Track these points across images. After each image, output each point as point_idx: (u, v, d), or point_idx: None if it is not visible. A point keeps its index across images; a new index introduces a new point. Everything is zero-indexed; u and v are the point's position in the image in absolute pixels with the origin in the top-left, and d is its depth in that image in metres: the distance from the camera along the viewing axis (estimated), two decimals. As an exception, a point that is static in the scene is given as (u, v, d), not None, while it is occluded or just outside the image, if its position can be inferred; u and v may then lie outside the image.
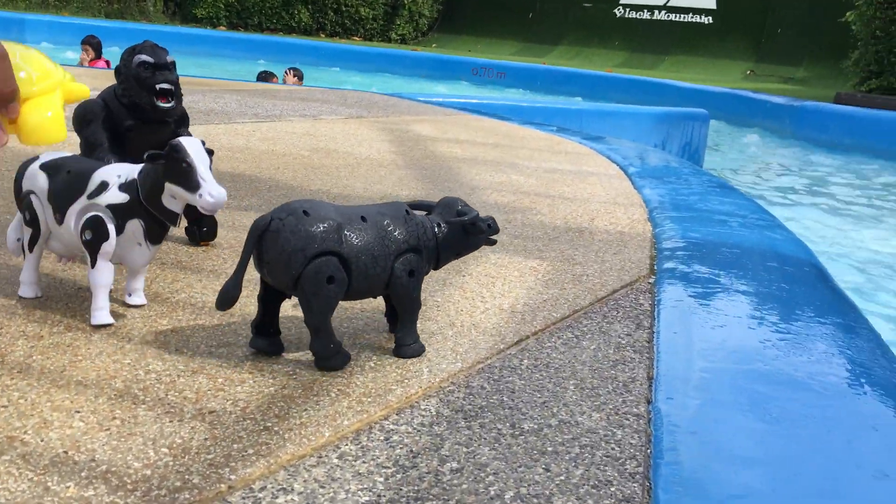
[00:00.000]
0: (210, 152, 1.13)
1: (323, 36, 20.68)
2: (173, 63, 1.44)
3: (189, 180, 1.09)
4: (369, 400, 1.03)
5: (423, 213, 1.24)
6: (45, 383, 1.00)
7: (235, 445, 0.90)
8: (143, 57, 1.39)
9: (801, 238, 2.33)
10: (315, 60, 15.86)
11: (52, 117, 1.10)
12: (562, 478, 0.88)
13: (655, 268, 1.74)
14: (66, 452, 0.86)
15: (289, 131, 3.31)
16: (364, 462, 0.89)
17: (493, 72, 15.95)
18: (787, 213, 5.32)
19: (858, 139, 9.75)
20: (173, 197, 1.12)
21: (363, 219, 1.11)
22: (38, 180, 1.20)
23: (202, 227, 1.58)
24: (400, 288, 1.14)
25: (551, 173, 2.85)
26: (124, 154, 1.43)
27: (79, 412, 0.94)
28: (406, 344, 1.17)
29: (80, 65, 6.96)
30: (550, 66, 16.41)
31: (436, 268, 1.24)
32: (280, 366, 1.11)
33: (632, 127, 6.45)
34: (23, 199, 1.21)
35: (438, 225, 1.21)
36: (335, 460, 0.89)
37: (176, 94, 1.44)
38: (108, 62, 7.22)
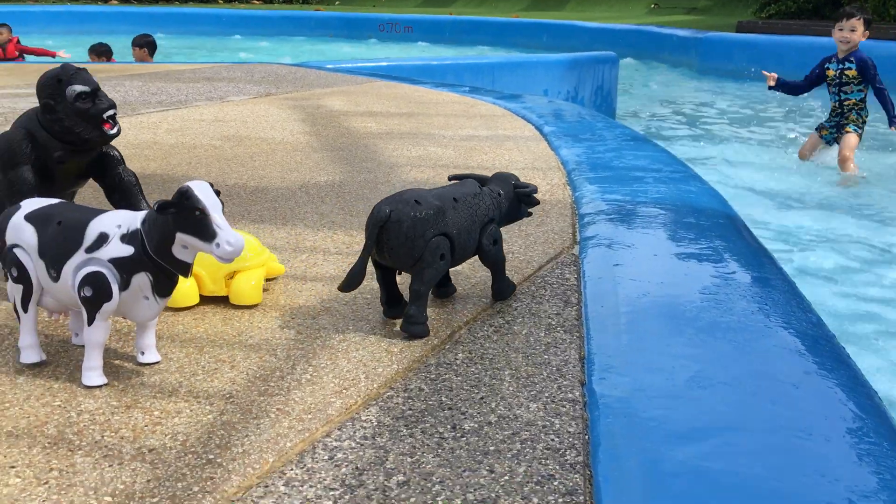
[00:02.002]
0: (218, 193, 1.06)
1: (221, 2, 20.03)
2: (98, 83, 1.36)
3: (204, 229, 1.02)
4: (310, 416, 1.03)
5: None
6: (-27, 439, 0.97)
7: (179, 484, 0.89)
8: (79, 87, 1.30)
9: (717, 183, 2.41)
10: (216, 29, 15.39)
11: (255, 286, 1.36)
12: (506, 478, 0.91)
13: (578, 236, 1.77)
14: (4, 515, 0.84)
15: (197, 118, 3.22)
16: (311, 486, 0.89)
17: (400, 27, 15.77)
18: (701, 150, 5.45)
19: (762, 66, 10.01)
20: (185, 247, 1.05)
21: (455, 200, 1.31)
22: (24, 233, 1.09)
23: None
24: (490, 256, 1.36)
25: (468, 141, 2.85)
26: (52, 186, 1.35)
27: (14, 467, 0.92)
28: (504, 289, 1.40)
29: None
30: (457, 16, 16.31)
31: None
32: (216, 388, 1.10)
33: (543, 76, 6.49)
34: (6, 254, 1.10)
35: (499, 195, 1.39)
36: (282, 488, 0.89)
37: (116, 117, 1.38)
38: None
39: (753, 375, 1.14)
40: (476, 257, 1.36)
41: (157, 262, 1.06)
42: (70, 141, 1.33)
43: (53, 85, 1.32)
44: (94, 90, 1.31)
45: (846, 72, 4.37)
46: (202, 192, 1.03)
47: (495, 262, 1.37)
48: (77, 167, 1.38)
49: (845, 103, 4.43)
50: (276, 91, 4.07)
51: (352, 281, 1.25)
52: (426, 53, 11.75)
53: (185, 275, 1.08)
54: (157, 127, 3.03)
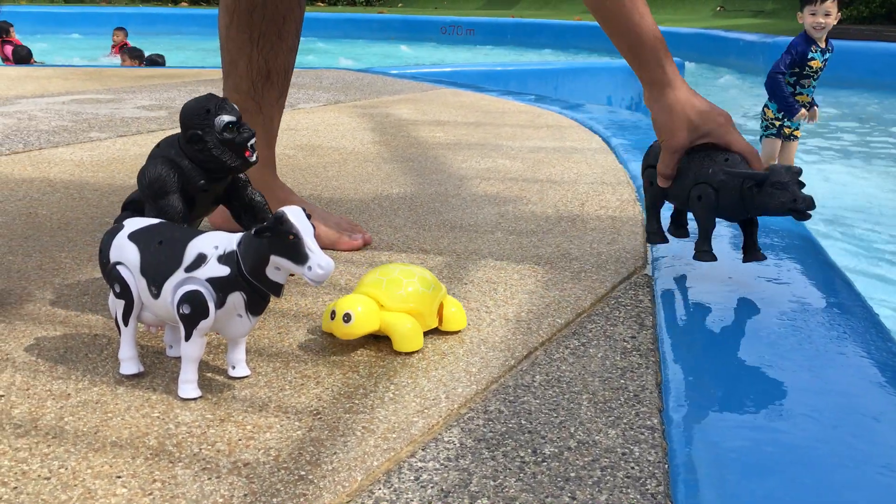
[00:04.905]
0: (309, 217, 1.11)
1: (287, 4, 20.37)
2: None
3: (296, 253, 1.07)
4: (394, 436, 1.07)
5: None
6: (81, 447, 1.03)
7: (275, 500, 0.94)
8: (226, 118, 1.33)
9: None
10: (281, 31, 15.66)
11: (457, 311, 1.39)
12: (588, 505, 0.93)
13: (650, 256, 1.78)
14: (114, 523, 0.90)
15: (270, 126, 3.30)
16: (399, 506, 0.93)
17: (462, 29, 15.84)
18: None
19: (833, 73, 9.78)
20: (278, 269, 1.10)
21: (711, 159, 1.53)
22: (126, 251, 1.16)
23: None
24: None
25: (535, 153, 2.87)
26: (192, 213, 1.40)
27: (120, 477, 0.97)
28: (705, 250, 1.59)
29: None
30: (519, 18, 16.30)
31: None
32: (304, 404, 1.15)
33: (607, 83, 6.46)
34: (110, 270, 1.17)
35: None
36: (372, 507, 0.93)
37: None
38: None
39: (834, 408, 1.14)
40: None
41: (251, 282, 1.11)
42: (213, 169, 1.37)
43: (202, 115, 1.35)
44: (238, 119, 1.35)
45: (826, 62, 4.15)
46: (296, 217, 1.08)
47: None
48: (215, 194, 1.42)
49: (810, 99, 4.22)
50: (344, 98, 4.14)
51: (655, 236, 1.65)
52: (489, 57, 11.76)
53: (277, 295, 1.13)
54: (231, 135, 3.12)
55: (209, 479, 0.97)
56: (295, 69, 1.94)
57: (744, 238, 1.56)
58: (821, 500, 0.94)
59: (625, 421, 1.11)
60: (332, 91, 4.41)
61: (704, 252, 1.56)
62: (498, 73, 6.06)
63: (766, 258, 1.57)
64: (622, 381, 1.22)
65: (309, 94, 4.28)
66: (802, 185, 1.49)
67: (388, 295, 1.32)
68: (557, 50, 13.40)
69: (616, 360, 1.29)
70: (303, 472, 0.99)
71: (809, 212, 1.45)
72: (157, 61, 8.37)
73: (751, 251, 1.56)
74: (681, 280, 1.61)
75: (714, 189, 1.51)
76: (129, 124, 3.29)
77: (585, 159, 2.77)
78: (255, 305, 1.14)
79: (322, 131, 3.21)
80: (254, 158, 1.38)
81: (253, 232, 1.09)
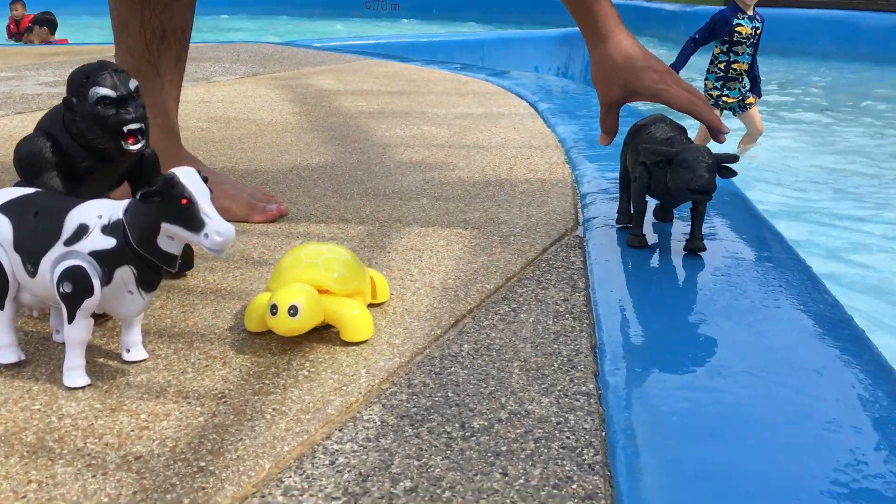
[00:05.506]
0: (205, 180, 0.97)
1: (205, -19, 19.77)
2: (137, 89, 1.16)
3: (190, 219, 0.94)
4: (308, 417, 0.97)
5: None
6: (-54, 449, 0.90)
7: (168, 496, 0.83)
8: (102, 91, 1.12)
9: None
10: (200, 8, 15.17)
11: (381, 279, 1.28)
12: (521, 481, 0.85)
13: (581, 217, 1.71)
14: (-21, 534, 0.78)
15: (182, 99, 3.11)
16: (311, 495, 0.83)
17: (386, 4, 15.60)
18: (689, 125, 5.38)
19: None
20: (171, 238, 0.97)
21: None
22: None
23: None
24: None
25: (462, 119, 2.78)
26: (80, 193, 1.19)
27: (-11, 480, 0.85)
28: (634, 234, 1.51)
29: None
30: (445, -8, 16.11)
31: None
32: (208, 387, 1.03)
33: (533, 52, 6.41)
34: None
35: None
36: (280, 498, 0.83)
37: (146, 130, 1.17)
38: None
39: (775, 363, 1.08)
40: None
41: (140, 254, 0.99)
42: (85, 147, 1.17)
43: (80, 81, 1.15)
44: (120, 97, 1.14)
45: (758, 31, 4.31)
46: (188, 179, 0.96)
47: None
48: (106, 178, 1.23)
49: (746, 66, 4.35)
50: (263, 71, 3.97)
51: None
52: (414, 30, 11.60)
53: (172, 268, 1.01)
54: (140, 109, 2.94)
55: (93, 476, 0.86)
56: (211, 43, 1.81)
57: (690, 224, 1.43)
58: (767, 459, 0.88)
59: (559, 388, 1.03)
60: (250, 63, 4.23)
61: (633, 236, 1.48)
62: (423, 44, 5.93)
63: (705, 249, 1.43)
64: (555, 345, 1.14)
65: (225, 66, 4.09)
66: (731, 172, 1.38)
67: (330, 277, 1.14)
68: (484, 23, 13.30)
69: (548, 324, 1.21)
70: (202, 463, 0.88)
71: (707, 194, 1.33)
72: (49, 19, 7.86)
73: (691, 239, 1.43)
74: (613, 239, 1.54)
75: (647, 169, 1.42)
76: (28, 101, 3.07)
77: (513, 124, 2.69)
78: (147, 280, 1.02)
79: (238, 103, 3.06)
80: (136, 147, 1.16)
81: (139, 196, 0.97)
